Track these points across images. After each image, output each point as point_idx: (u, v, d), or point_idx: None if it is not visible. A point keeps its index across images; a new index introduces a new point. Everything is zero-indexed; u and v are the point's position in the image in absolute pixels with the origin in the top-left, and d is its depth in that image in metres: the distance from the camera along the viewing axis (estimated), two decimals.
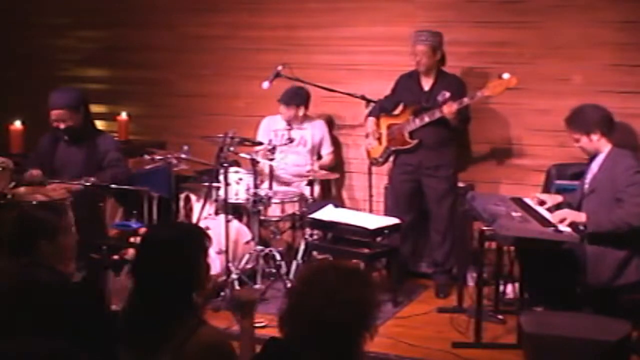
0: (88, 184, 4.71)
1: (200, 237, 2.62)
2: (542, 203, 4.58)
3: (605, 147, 4.39)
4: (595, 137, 4.37)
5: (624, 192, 4.20)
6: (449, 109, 5.01)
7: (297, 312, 2.19)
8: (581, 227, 4.20)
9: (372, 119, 5.47)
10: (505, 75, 4.94)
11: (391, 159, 5.44)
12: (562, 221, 4.20)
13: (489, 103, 5.57)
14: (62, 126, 4.97)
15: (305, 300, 2.17)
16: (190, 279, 2.52)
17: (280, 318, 2.23)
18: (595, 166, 4.42)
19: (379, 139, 5.41)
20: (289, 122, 5.72)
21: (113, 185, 4.82)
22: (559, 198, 4.62)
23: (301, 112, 5.73)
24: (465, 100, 5.03)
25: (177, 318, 2.47)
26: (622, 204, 4.19)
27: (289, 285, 5.09)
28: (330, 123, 6.04)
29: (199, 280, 2.55)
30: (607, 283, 4.22)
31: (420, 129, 5.20)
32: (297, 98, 5.67)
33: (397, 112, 5.38)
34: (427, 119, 5.13)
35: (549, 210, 4.48)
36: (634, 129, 5.22)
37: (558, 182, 5.11)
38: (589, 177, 4.45)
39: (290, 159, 5.72)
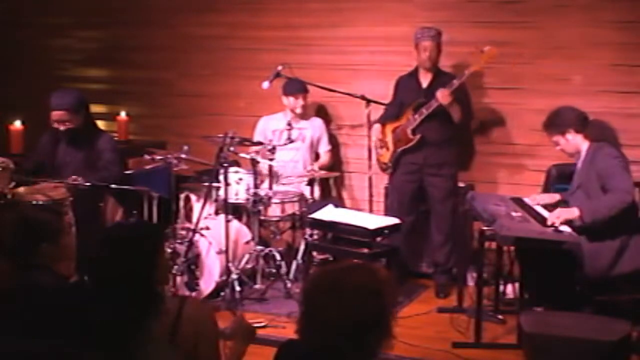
0: (75, 182, 4.68)
1: (156, 233, 2.69)
2: None
3: (583, 144, 4.45)
4: (569, 135, 4.44)
5: (608, 177, 4.26)
6: (442, 94, 5.03)
7: (311, 319, 2.19)
8: (578, 222, 4.22)
9: (377, 127, 5.45)
10: (486, 49, 5.04)
11: None
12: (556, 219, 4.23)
13: (489, 103, 5.58)
14: (62, 128, 4.98)
15: (317, 305, 2.17)
16: (151, 275, 2.54)
17: (297, 327, 2.23)
18: (579, 164, 4.49)
19: (386, 146, 5.42)
20: (296, 113, 5.71)
21: (113, 186, 4.81)
22: (556, 197, 4.65)
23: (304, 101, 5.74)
24: (455, 82, 5.05)
25: (148, 313, 2.48)
26: (610, 188, 4.24)
27: (288, 285, 5.12)
28: (327, 122, 6.03)
29: (159, 275, 2.61)
30: (604, 274, 4.26)
31: (424, 127, 5.20)
32: (302, 84, 5.68)
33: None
34: (425, 112, 5.15)
35: (547, 208, 4.50)
36: (634, 128, 5.22)
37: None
38: (575, 176, 4.51)
39: (289, 156, 5.72)
